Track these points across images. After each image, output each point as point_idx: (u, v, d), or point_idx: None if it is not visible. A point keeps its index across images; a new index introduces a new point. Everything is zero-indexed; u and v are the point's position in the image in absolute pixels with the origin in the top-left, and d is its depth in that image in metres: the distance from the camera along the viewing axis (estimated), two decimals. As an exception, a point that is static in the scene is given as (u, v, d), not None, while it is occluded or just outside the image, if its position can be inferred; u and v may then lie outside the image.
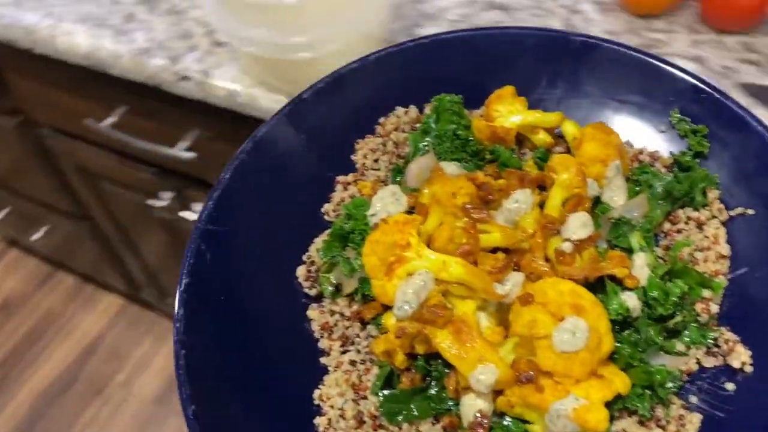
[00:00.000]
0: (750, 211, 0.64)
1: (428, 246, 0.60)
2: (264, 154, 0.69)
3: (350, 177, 0.71)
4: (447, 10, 1.09)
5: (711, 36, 1.01)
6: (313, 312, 0.65)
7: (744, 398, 0.57)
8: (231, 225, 0.65)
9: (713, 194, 0.65)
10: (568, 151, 0.69)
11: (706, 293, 0.60)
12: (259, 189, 0.68)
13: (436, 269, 0.58)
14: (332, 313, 0.65)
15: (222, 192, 0.66)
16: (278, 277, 0.66)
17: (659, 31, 1.02)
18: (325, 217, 0.69)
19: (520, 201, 0.61)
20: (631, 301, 0.57)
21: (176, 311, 0.60)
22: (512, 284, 0.58)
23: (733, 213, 0.65)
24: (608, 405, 0.54)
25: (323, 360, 0.63)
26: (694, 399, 0.58)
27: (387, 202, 0.63)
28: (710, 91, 0.68)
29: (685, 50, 0.99)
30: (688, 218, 0.65)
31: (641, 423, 0.57)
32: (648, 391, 0.56)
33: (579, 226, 0.59)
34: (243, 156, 0.68)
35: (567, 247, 0.59)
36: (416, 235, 0.59)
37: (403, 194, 0.64)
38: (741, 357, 0.58)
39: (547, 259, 0.60)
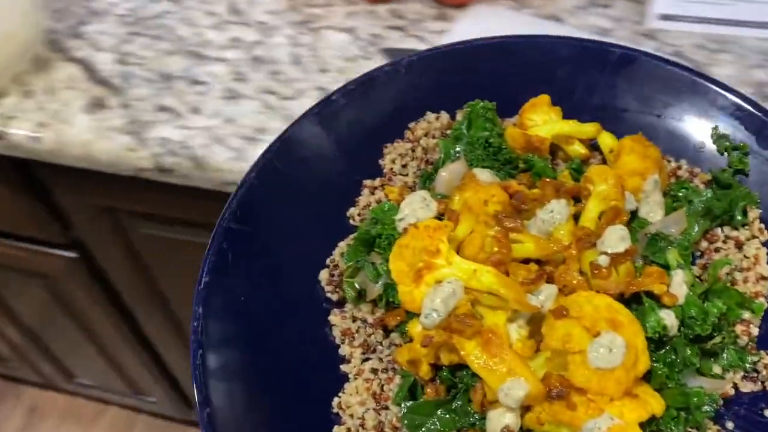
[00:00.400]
0: None
1: (458, 253, 0.58)
2: (290, 154, 0.68)
3: (377, 181, 0.69)
4: (116, 5, 1.09)
5: (364, 7, 1.04)
6: (334, 317, 0.63)
7: (783, 427, 0.55)
8: (254, 225, 0.64)
9: (754, 214, 0.63)
10: (603, 163, 0.67)
11: (746, 315, 0.58)
12: (283, 189, 0.67)
13: (467, 277, 0.56)
14: (354, 319, 0.63)
15: (246, 191, 0.64)
16: (300, 280, 0.64)
17: (318, 6, 1.05)
18: (350, 221, 0.68)
19: (555, 211, 0.59)
20: (669, 319, 0.55)
21: (195, 309, 0.58)
22: (545, 296, 0.56)
23: None
24: (641, 427, 0.52)
25: (343, 367, 0.61)
26: (730, 425, 0.56)
27: (416, 207, 0.61)
28: (751, 108, 0.66)
29: (340, 22, 1.02)
30: (727, 237, 0.63)
31: (674, 447, 0.54)
32: (683, 414, 0.54)
33: (617, 239, 0.57)
34: (269, 155, 0.67)
35: (603, 260, 0.57)
36: (447, 241, 0.57)
37: (433, 200, 0.62)
38: (781, 383, 0.56)
39: (580, 272, 0.58)
